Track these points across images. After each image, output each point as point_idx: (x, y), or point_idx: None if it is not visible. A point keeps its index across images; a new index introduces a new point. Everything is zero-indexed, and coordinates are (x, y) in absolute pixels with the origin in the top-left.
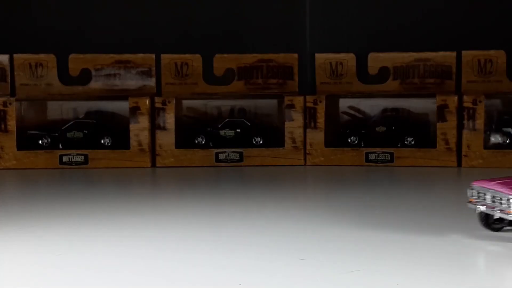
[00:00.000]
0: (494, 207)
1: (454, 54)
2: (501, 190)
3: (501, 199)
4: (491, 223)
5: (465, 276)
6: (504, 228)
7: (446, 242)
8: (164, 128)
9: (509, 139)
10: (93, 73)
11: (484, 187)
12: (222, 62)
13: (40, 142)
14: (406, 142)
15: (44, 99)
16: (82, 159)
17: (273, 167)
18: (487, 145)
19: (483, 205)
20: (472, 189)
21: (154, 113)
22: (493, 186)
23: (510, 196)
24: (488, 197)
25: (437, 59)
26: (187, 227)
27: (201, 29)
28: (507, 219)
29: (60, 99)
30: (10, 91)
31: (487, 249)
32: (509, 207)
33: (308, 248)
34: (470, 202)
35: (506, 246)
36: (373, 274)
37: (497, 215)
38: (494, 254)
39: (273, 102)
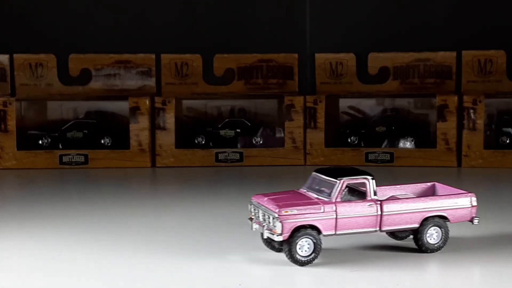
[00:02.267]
0: (264, 225)
1: (454, 54)
2: (269, 207)
3: (269, 217)
4: (270, 242)
5: None
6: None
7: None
8: (164, 128)
9: (509, 139)
10: (93, 73)
11: (258, 202)
12: (222, 62)
13: (40, 142)
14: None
15: (44, 99)
16: (82, 159)
17: (273, 167)
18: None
19: (257, 223)
20: (251, 205)
21: (154, 113)
22: (264, 202)
23: (276, 215)
24: (260, 214)
25: (437, 59)
26: (187, 227)
27: (201, 29)
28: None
29: (60, 99)
30: (10, 91)
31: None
32: (275, 226)
33: None
34: (250, 218)
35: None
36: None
37: (266, 234)
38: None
39: (273, 102)
